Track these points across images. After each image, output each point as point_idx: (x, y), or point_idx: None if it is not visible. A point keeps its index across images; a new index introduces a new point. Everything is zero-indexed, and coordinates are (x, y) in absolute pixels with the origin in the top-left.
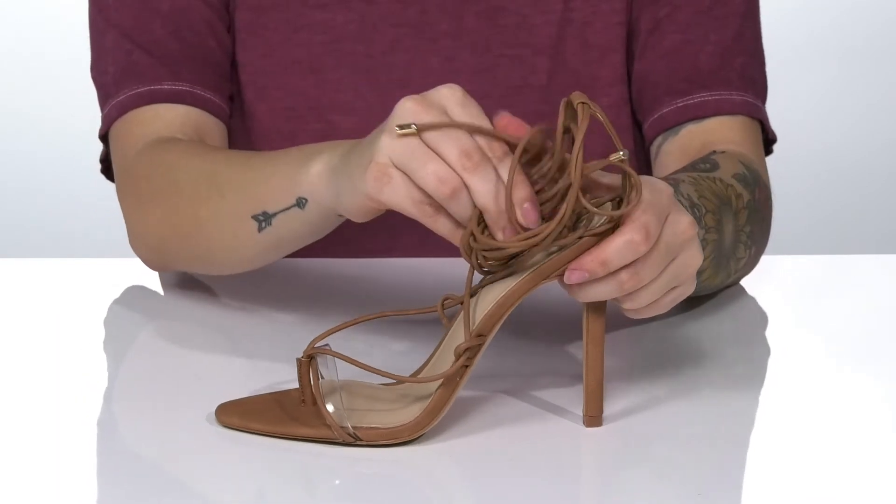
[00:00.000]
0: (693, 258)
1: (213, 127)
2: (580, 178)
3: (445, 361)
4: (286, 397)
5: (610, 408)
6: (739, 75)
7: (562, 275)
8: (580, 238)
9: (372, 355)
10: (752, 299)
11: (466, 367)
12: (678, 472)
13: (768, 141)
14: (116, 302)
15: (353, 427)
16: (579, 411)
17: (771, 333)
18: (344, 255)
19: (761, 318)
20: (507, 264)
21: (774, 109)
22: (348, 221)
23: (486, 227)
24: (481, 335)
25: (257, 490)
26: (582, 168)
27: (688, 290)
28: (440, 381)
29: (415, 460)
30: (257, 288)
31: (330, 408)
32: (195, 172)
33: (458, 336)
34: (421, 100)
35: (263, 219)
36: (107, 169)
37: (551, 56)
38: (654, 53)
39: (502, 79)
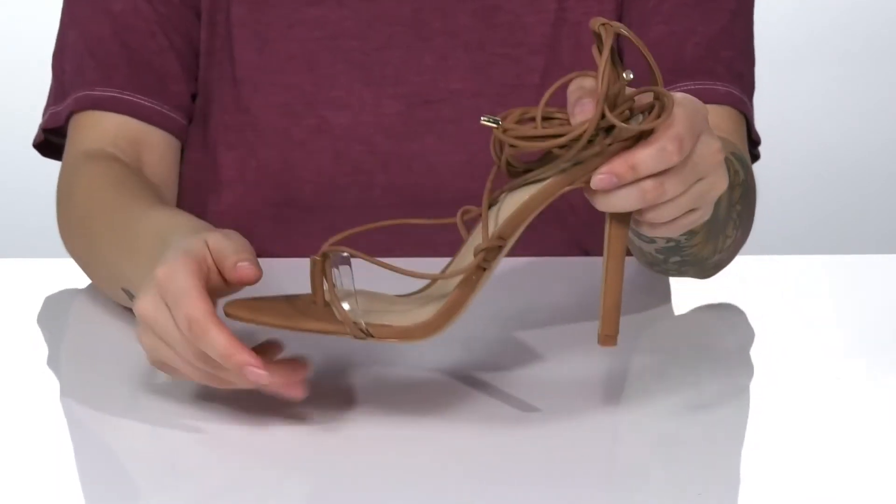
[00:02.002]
0: (719, 182)
1: (150, 136)
2: (605, 92)
3: (464, 263)
4: (297, 299)
5: (609, 408)
6: (726, 68)
7: (587, 182)
8: (609, 145)
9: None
10: (752, 299)
11: (484, 269)
12: (678, 472)
13: (753, 143)
14: (114, 300)
15: (367, 324)
16: (579, 412)
17: (770, 333)
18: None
19: (761, 319)
20: (533, 166)
21: (775, 109)
22: (345, 217)
23: (519, 119)
24: (502, 237)
25: (255, 490)
26: (608, 81)
27: (705, 215)
28: (457, 283)
29: (415, 460)
30: (255, 288)
31: (346, 306)
32: (82, 231)
33: (478, 239)
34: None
35: (133, 294)
36: (49, 152)
37: (546, 55)
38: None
39: (496, 78)
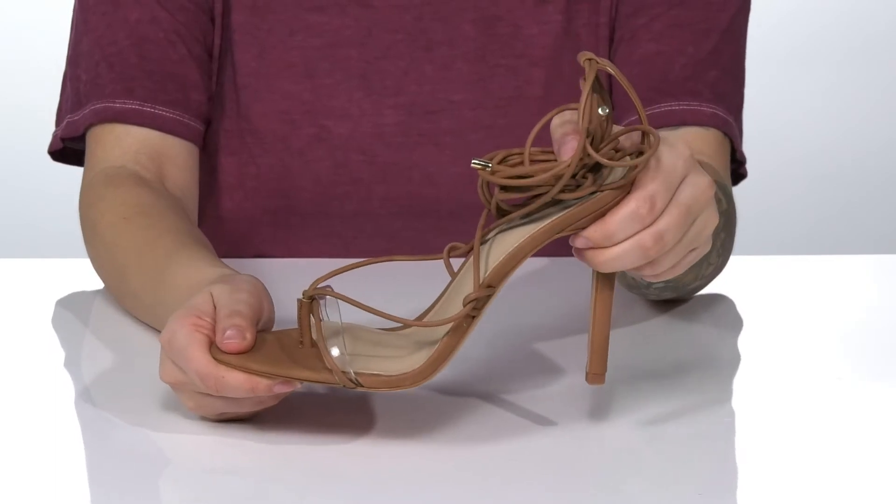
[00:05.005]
0: (710, 219)
1: (172, 147)
2: (587, 127)
3: (452, 308)
4: (286, 337)
5: (609, 408)
6: (710, 88)
7: (576, 230)
8: (595, 192)
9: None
10: (751, 300)
11: (473, 317)
12: (678, 472)
13: (738, 163)
14: (109, 301)
15: (356, 373)
16: (578, 414)
17: (769, 334)
18: (341, 256)
19: (760, 319)
20: (522, 207)
21: (775, 109)
22: (343, 226)
23: (502, 160)
24: (490, 286)
25: (255, 491)
26: (589, 117)
27: (704, 250)
28: (446, 330)
29: (416, 462)
30: None
31: (335, 352)
32: (110, 262)
33: (465, 282)
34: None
35: None
36: (60, 157)
37: (547, 67)
38: (625, 62)
39: (497, 89)
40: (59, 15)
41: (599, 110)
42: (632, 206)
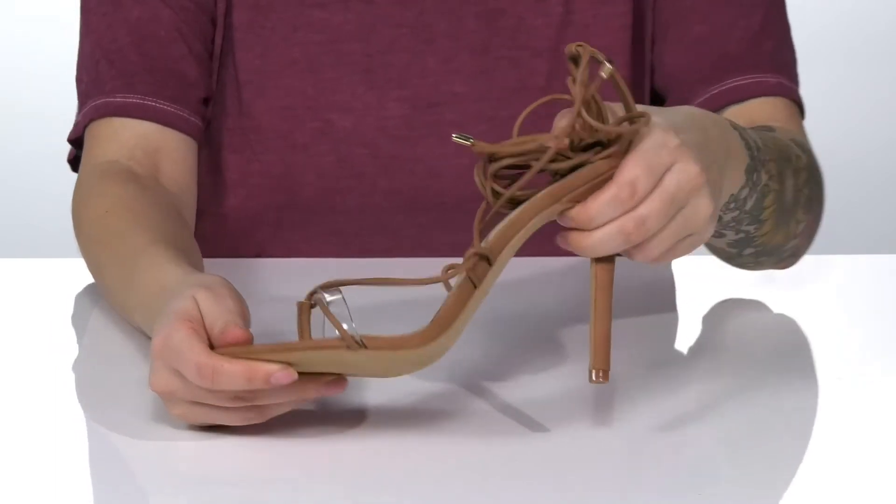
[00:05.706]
0: (702, 206)
1: (169, 141)
2: (582, 99)
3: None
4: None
5: (610, 408)
6: (771, 59)
7: (574, 200)
8: (587, 162)
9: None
10: (752, 299)
11: (475, 286)
12: (678, 472)
13: None
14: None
15: (361, 336)
16: (579, 414)
17: (770, 333)
18: (343, 255)
19: (760, 319)
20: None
21: None
22: (346, 221)
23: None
24: (492, 252)
25: (253, 492)
26: (585, 90)
27: (704, 237)
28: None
29: (416, 462)
30: (251, 287)
31: (344, 325)
32: (92, 255)
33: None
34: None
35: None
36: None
37: (550, 59)
38: (679, 46)
39: (500, 80)
40: (60, 15)
41: (602, 73)
42: (613, 190)
